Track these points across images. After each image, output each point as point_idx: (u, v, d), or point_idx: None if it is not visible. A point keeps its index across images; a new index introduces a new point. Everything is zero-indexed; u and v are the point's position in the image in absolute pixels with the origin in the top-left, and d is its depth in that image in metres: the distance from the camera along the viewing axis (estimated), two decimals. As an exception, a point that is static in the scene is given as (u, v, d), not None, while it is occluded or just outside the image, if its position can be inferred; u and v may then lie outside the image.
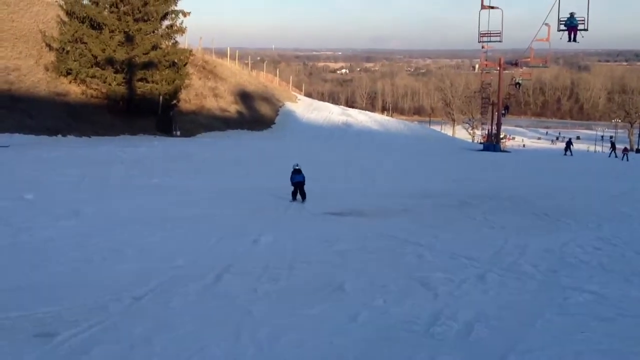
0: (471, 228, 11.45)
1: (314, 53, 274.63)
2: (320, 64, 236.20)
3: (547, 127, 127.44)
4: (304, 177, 13.73)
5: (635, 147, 79.93)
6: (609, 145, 43.57)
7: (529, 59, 44.39)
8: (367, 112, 72.04)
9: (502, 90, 45.51)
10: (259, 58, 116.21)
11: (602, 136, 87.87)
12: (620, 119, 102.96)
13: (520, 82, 46.44)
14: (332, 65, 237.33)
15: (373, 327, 5.71)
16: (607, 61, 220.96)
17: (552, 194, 17.07)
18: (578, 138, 48.64)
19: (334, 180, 18.82)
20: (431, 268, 7.99)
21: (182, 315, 5.85)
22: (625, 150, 43.97)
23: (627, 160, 38.16)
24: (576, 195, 17.06)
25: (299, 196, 13.75)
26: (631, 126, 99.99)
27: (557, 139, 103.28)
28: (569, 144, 42.89)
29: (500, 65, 44.79)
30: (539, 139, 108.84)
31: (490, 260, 8.63)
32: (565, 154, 41.18)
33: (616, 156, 40.90)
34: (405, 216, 12.49)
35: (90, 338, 5.25)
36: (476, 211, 13.43)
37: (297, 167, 13.74)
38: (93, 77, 30.39)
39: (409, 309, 6.26)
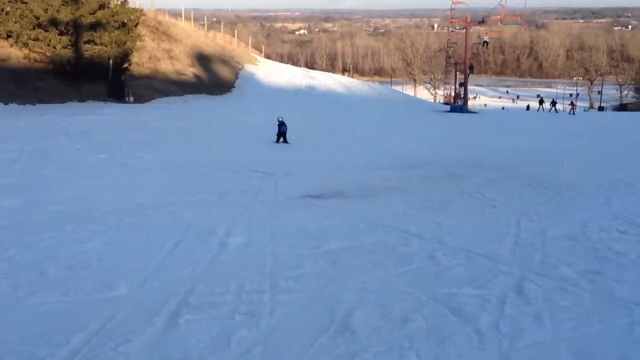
0: (472, 209, 9.87)
1: (271, 14, 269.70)
2: (278, 25, 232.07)
3: (507, 86, 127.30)
4: (286, 127, 18.06)
5: (598, 104, 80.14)
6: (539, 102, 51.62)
7: (499, 17, 43.08)
8: (330, 73, 69.96)
9: (469, 49, 44.16)
10: (214, 19, 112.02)
11: (572, 94, 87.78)
12: (580, 76, 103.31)
13: (487, 40, 45.24)
14: (290, 26, 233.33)
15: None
16: (564, 19, 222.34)
17: (538, 159, 15.99)
18: (539, 96, 49.67)
19: (305, 148, 17.12)
20: (453, 279, 6.15)
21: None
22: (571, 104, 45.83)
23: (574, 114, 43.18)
24: (563, 160, 15.95)
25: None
26: (591, 83, 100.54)
27: (518, 97, 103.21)
28: (553, 102, 46.75)
29: (467, 23, 43.34)
30: (500, 98, 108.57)
31: (514, 258, 6.99)
32: (550, 111, 45.33)
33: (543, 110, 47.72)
34: (394, 195, 10.83)
35: None
36: (468, 185, 11.99)
37: (280, 120, 18.16)
38: (36, 39, 27.76)
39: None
